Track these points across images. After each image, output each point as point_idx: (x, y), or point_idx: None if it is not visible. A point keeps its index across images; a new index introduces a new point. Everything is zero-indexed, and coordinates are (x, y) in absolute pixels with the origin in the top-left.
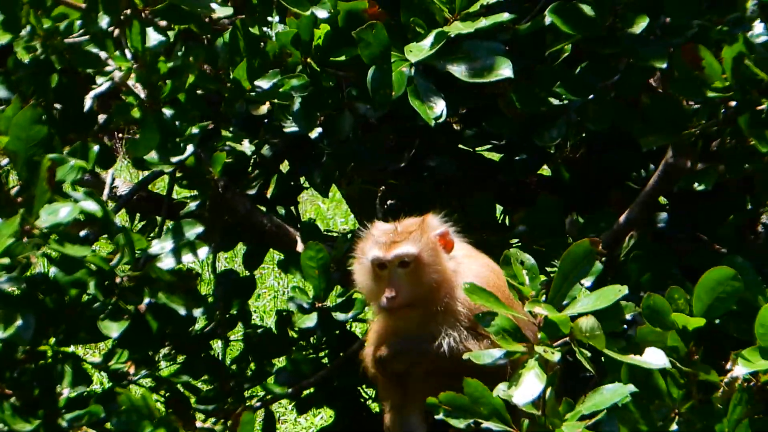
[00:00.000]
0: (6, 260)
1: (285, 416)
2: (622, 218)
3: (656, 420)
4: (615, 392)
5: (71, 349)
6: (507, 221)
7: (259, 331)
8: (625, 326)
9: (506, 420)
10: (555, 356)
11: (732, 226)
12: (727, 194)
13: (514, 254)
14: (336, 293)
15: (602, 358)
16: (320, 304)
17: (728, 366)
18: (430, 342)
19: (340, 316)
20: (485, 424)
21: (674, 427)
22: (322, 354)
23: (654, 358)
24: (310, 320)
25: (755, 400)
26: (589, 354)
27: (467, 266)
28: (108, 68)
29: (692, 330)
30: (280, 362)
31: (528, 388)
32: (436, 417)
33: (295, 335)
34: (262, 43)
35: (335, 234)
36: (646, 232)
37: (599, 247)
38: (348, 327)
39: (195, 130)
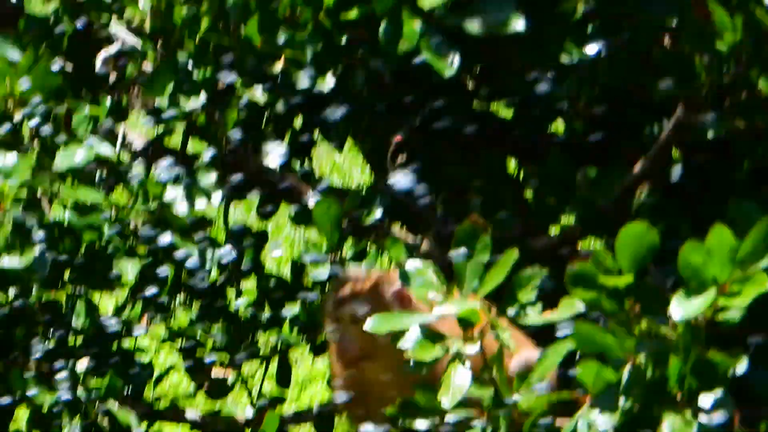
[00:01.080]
0: (24, 193)
1: (302, 359)
2: (634, 172)
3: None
4: (557, 351)
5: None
6: (520, 177)
7: (272, 281)
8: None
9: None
10: (473, 348)
11: (744, 175)
12: (738, 146)
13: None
14: (349, 245)
15: None
16: (333, 257)
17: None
18: None
19: None
20: (447, 418)
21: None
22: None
23: (568, 309)
24: (324, 272)
25: (705, 338)
26: (508, 333)
27: None
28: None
29: (624, 287)
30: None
31: (455, 388)
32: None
33: (309, 285)
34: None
35: (349, 188)
36: (658, 186)
37: (481, 223)
38: None
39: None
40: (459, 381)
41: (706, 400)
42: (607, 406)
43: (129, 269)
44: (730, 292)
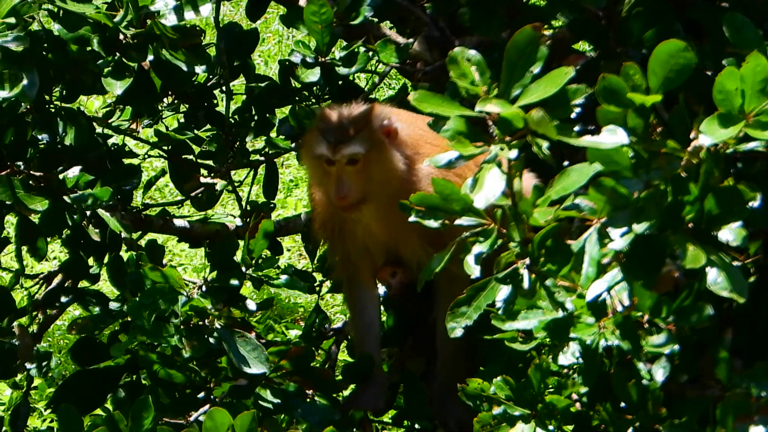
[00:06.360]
0: (12, 20)
1: (289, 161)
2: None
3: (627, 195)
4: (582, 173)
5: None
6: None
7: (262, 84)
8: (579, 110)
9: (479, 214)
10: (512, 153)
11: None
12: None
13: (459, 53)
14: (339, 48)
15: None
16: (323, 59)
17: (692, 135)
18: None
19: (343, 70)
20: (458, 221)
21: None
22: (324, 105)
23: (611, 137)
24: (314, 74)
25: (722, 168)
26: (547, 144)
27: (420, 169)
28: None
29: (650, 106)
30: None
31: (488, 189)
32: (410, 219)
33: (299, 86)
34: None
35: None
36: None
37: (542, 30)
38: (351, 78)
39: None
40: (493, 183)
41: (723, 232)
42: (620, 226)
43: (117, 86)
44: (757, 122)
